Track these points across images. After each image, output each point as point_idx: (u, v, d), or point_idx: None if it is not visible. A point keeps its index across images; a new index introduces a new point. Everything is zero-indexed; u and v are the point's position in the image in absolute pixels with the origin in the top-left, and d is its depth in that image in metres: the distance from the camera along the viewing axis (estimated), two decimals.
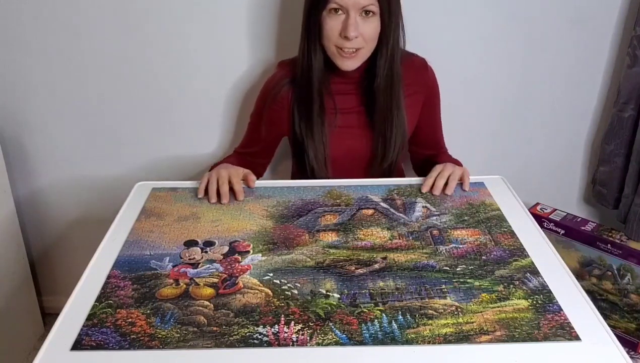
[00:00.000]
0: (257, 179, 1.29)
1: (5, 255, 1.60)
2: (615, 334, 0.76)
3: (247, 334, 0.76)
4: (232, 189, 1.13)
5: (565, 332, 0.76)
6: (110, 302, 0.82)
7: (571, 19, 1.45)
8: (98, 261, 0.93)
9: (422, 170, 1.36)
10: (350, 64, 1.19)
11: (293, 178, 1.43)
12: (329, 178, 1.26)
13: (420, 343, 0.74)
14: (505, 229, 1.00)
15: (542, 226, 1.32)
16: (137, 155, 1.63)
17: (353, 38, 1.13)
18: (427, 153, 1.37)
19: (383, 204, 1.09)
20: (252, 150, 1.36)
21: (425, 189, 1.13)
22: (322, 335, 0.75)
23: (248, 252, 0.94)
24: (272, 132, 1.33)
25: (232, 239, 0.98)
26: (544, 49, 1.49)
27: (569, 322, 0.77)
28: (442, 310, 0.80)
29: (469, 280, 0.86)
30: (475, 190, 1.14)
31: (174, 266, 0.91)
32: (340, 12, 1.13)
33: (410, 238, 0.98)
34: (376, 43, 1.19)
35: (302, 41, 1.21)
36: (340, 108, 1.26)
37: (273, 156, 1.41)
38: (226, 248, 0.96)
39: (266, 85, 1.31)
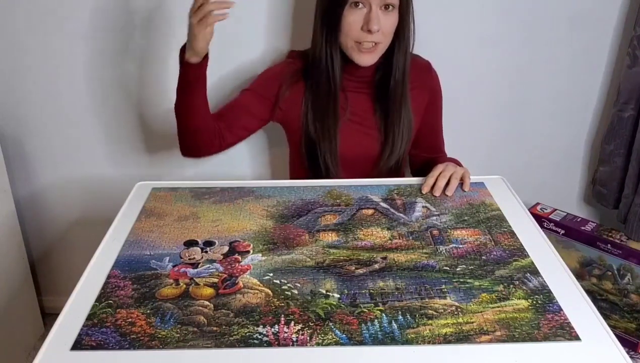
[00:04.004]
0: (228, 138, 1.25)
1: (5, 255, 1.60)
2: (615, 334, 0.76)
3: (247, 334, 0.76)
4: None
5: (565, 332, 0.76)
6: (110, 302, 0.82)
7: (571, 19, 1.45)
8: (98, 261, 0.92)
9: (421, 173, 1.36)
10: (368, 59, 1.19)
11: (291, 177, 1.43)
12: (340, 176, 1.26)
13: (420, 343, 0.74)
14: (505, 229, 1.00)
15: (542, 226, 1.32)
16: (137, 155, 1.63)
17: (375, 31, 1.13)
18: (427, 156, 1.37)
19: (383, 204, 1.09)
20: (233, 121, 1.28)
21: (425, 190, 1.13)
22: (322, 335, 0.75)
23: (248, 252, 0.94)
24: (266, 120, 1.29)
25: (232, 239, 0.98)
26: (544, 49, 1.49)
27: (569, 322, 0.77)
28: (442, 310, 0.80)
29: (469, 280, 0.86)
30: (475, 190, 1.14)
31: (174, 266, 0.91)
32: (361, 6, 1.14)
33: (410, 238, 0.98)
34: (391, 38, 1.19)
35: (318, 38, 1.20)
36: (351, 106, 1.26)
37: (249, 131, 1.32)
38: (226, 248, 0.96)
39: (281, 69, 1.27)
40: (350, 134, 1.27)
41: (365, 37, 1.15)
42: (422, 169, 1.37)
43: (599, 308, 0.81)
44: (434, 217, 1.04)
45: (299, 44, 1.41)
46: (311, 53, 1.23)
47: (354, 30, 1.15)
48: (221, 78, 1.54)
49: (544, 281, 0.86)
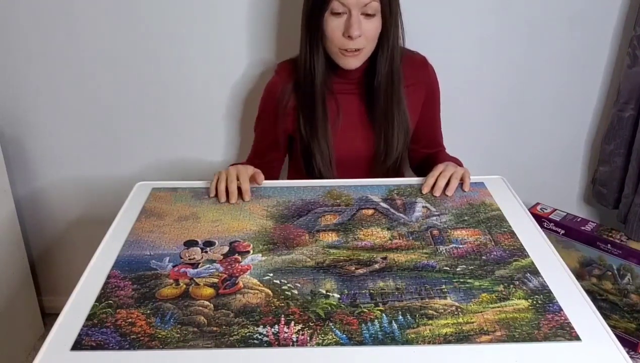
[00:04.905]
0: (276, 173, 1.35)
1: (5, 255, 1.60)
2: (615, 334, 0.76)
3: (247, 334, 0.76)
4: (240, 188, 1.13)
5: (565, 332, 0.76)
6: (110, 302, 0.82)
7: (571, 19, 1.45)
8: (98, 261, 0.92)
9: (420, 169, 1.37)
10: (352, 63, 1.19)
11: (289, 178, 1.43)
12: (335, 178, 1.26)
13: (420, 344, 0.74)
14: (505, 229, 1.00)
15: (542, 226, 1.32)
16: (137, 155, 1.63)
17: (356, 37, 1.13)
18: (426, 151, 1.37)
19: (383, 204, 1.09)
20: (268, 158, 1.36)
21: (426, 190, 1.13)
22: (322, 335, 0.75)
23: (248, 252, 0.94)
24: (284, 134, 1.33)
25: (232, 239, 0.98)
26: (544, 49, 1.49)
27: (569, 322, 0.77)
28: (442, 310, 0.80)
29: (469, 280, 0.86)
30: (475, 190, 1.14)
31: (174, 266, 0.91)
32: (341, 12, 1.13)
33: (410, 238, 0.98)
34: (377, 42, 1.19)
35: (303, 44, 1.21)
36: (343, 108, 1.26)
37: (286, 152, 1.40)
38: (226, 248, 0.96)
39: (271, 93, 1.30)
40: (344, 136, 1.27)
41: (347, 43, 1.15)
42: (421, 165, 1.37)
43: (599, 308, 0.81)
44: (434, 217, 1.04)
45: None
46: (299, 59, 1.24)
47: (335, 37, 1.15)
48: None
49: (544, 281, 0.86)
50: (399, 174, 1.36)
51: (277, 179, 1.39)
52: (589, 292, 1.33)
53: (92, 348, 0.74)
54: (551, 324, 0.77)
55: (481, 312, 0.79)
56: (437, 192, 1.12)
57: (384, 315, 0.79)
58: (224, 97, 1.55)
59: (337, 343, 0.74)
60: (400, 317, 0.79)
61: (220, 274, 0.89)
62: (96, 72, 1.51)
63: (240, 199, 1.11)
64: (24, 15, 1.44)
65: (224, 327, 0.77)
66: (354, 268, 0.90)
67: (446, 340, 0.75)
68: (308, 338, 0.75)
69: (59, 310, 0.81)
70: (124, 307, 0.81)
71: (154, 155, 1.63)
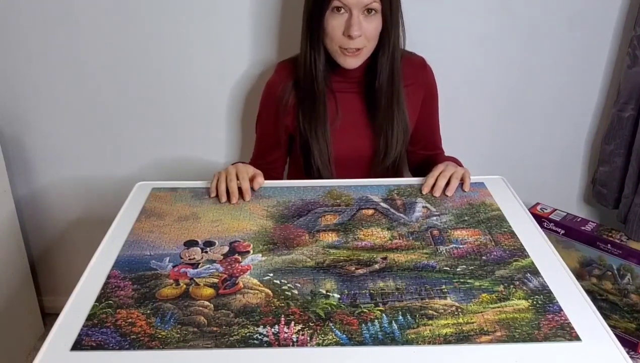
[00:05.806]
0: (279, 173, 1.35)
1: (5, 255, 1.60)
2: (615, 334, 0.76)
3: (247, 334, 0.76)
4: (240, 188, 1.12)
5: (566, 332, 0.76)
6: (110, 302, 0.82)
7: (571, 19, 1.45)
8: (98, 261, 0.93)
9: (419, 171, 1.37)
10: (353, 62, 1.19)
11: (289, 177, 1.43)
12: (333, 177, 1.26)
13: (420, 344, 0.74)
14: (506, 229, 1.00)
15: (542, 226, 1.32)
16: (137, 155, 1.63)
17: (356, 37, 1.14)
18: (424, 153, 1.37)
19: (383, 204, 1.09)
20: (271, 158, 1.36)
21: (426, 190, 1.13)
22: (323, 336, 0.75)
23: (248, 252, 0.94)
24: (285, 133, 1.33)
25: (232, 239, 0.98)
26: (544, 49, 1.49)
27: (569, 322, 0.77)
28: (442, 311, 0.80)
29: (469, 281, 0.86)
30: (475, 190, 1.14)
31: (174, 266, 0.91)
32: (342, 11, 1.14)
33: (411, 238, 0.98)
34: (377, 41, 1.19)
35: (303, 42, 1.21)
36: (342, 107, 1.26)
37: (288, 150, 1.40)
38: (226, 249, 0.96)
39: (271, 93, 1.30)
40: (343, 136, 1.27)
41: (347, 42, 1.15)
42: (420, 167, 1.37)
43: (599, 308, 0.81)
44: (434, 217, 1.04)
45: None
46: (299, 58, 1.24)
47: (336, 35, 1.16)
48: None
49: (544, 281, 0.86)
50: (397, 173, 1.36)
51: (280, 178, 1.39)
52: (589, 292, 1.33)
53: (92, 348, 0.74)
54: (551, 324, 0.77)
55: (481, 312, 0.79)
56: (437, 192, 1.12)
57: (384, 315, 0.79)
58: (224, 97, 1.55)
59: (337, 344, 0.74)
60: (400, 317, 0.79)
61: (220, 274, 0.89)
62: (96, 72, 1.51)
63: (240, 199, 1.11)
64: (24, 15, 1.44)
65: (224, 327, 0.77)
66: (354, 268, 0.90)
67: (446, 340, 0.75)
68: (308, 338, 0.75)
69: (59, 310, 0.81)
70: (124, 307, 0.81)
71: (154, 155, 1.63)
